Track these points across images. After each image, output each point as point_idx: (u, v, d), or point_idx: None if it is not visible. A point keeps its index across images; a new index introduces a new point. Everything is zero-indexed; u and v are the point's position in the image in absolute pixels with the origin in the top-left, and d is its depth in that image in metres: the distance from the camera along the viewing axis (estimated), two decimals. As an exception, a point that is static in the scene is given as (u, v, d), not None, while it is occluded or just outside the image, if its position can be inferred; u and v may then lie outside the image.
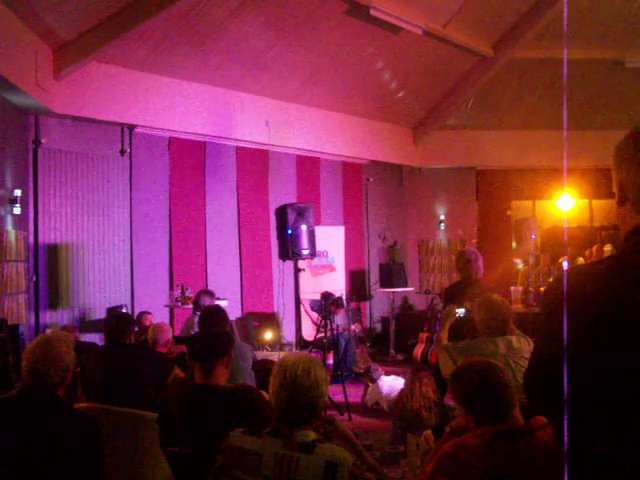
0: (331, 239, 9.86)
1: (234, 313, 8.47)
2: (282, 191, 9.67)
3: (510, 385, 2.33)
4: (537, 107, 10.78)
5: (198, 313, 5.51)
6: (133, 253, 8.15)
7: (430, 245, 11.90)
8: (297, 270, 7.12)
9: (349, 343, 8.51)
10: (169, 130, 8.44)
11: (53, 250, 7.48)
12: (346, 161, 10.81)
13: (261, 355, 6.27)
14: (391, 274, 10.42)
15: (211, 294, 6.31)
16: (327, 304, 7.63)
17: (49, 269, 7.45)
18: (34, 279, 7.25)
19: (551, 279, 7.65)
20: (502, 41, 9.76)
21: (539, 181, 11.45)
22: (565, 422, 1.27)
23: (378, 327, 11.16)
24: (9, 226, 6.70)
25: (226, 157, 9.22)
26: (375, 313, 11.24)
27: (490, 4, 8.98)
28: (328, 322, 7.18)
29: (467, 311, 4.30)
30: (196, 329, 5.41)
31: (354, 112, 10.42)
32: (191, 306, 6.89)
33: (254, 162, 9.52)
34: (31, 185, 7.30)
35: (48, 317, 7.40)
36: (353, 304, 10.16)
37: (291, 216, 7.08)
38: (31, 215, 7.28)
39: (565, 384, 1.26)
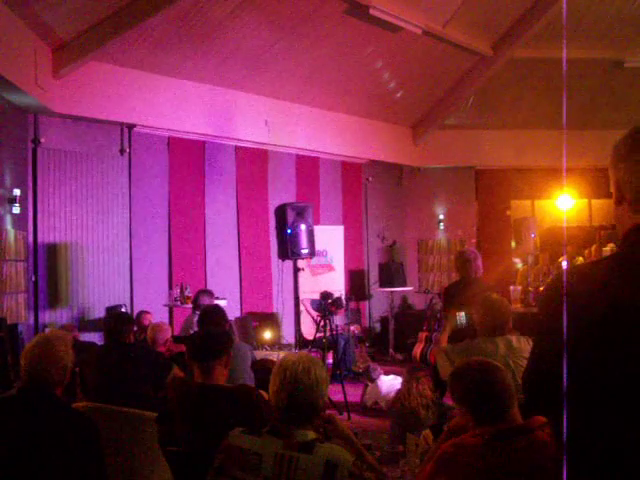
0: (330, 239, 9.86)
1: (233, 313, 8.47)
2: (281, 190, 9.67)
3: (509, 385, 2.33)
4: (536, 107, 10.78)
5: (197, 312, 5.51)
6: (132, 252, 8.15)
7: (429, 244, 11.90)
8: (296, 270, 7.12)
9: (348, 343, 8.52)
10: (168, 129, 8.44)
11: (52, 249, 7.48)
12: (345, 161, 10.81)
13: (260, 355, 6.27)
14: (390, 274, 10.42)
15: (210, 293, 6.31)
16: (326, 304, 7.64)
17: (48, 268, 7.45)
18: (33, 278, 7.25)
19: (550, 278, 7.64)
20: (501, 41, 9.76)
21: (538, 181, 11.45)
22: (565, 422, 1.27)
23: (377, 327, 11.16)
24: (8, 225, 6.70)
25: (225, 156, 9.22)
26: (374, 313, 11.25)
27: (490, 4, 8.98)
28: (327, 322, 7.19)
29: (468, 317, 4.30)
30: (195, 328, 5.41)
31: (353, 112, 10.42)
32: (190, 305, 6.89)
33: (253, 162, 9.52)
34: (30, 184, 7.30)
35: (47, 316, 7.40)
36: (352, 304, 10.17)
37: (290, 215, 7.08)
38: (30, 214, 7.28)
39: (564, 383, 1.26)
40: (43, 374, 2.53)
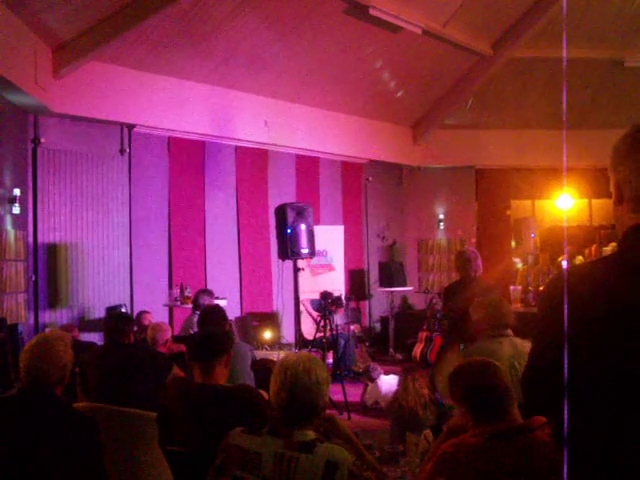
0: (330, 238, 9.85)
1: (233, 312, 8.47)
2: (281, 190, 9.67)
3: (508, 385, 2.34)
4: (536, 106, 10.78)
5: (197, 312, 5.51)
6: (132, 252, 8.15)
7: (429, 244, 11.90)
8: (296, 269, 7.11)
9: (348, 342, 8.52)
10: (168, 129, 8.44)
11: (52, 249, 7.48)
12: (345, 160, 10.81)
13: (260, 355, 6.27)
14: (390, 273, 10.42)
15: (210, 293, 6.31)
16: (327, 303, 7.64)
17: (48, 268, 7.45)
18: (33, 279, 7.25)
19: (549, 278, 7.64)
20: (501, 40, 9.76)
21: (538, 180, 11.44)
22: (565, 421, 1.27)
23: (377, 326, 11.16)
24: (8, 225, 6.70)
25: (225, 156, 9.22)
26: (374, 312, 11.25)
27: (489, 3, 8.98)
28: (328, 321, 7.19)
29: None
30: (195, 328, 5.41)
31: (353, 111, 10.42)
32: (190, 305, 6.89)
33: (253, 162, 9.52)
34: (30, 184, 7.30)
35: (47, 316, 7.41)
36: (352, 303, 10.17)
37: (290, 215, 7.08)
38: (30, 214, 7.28)
39: (564, 382, 1.26)
40: (43, 374, 2.53)
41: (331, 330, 7.31)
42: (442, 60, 9.77)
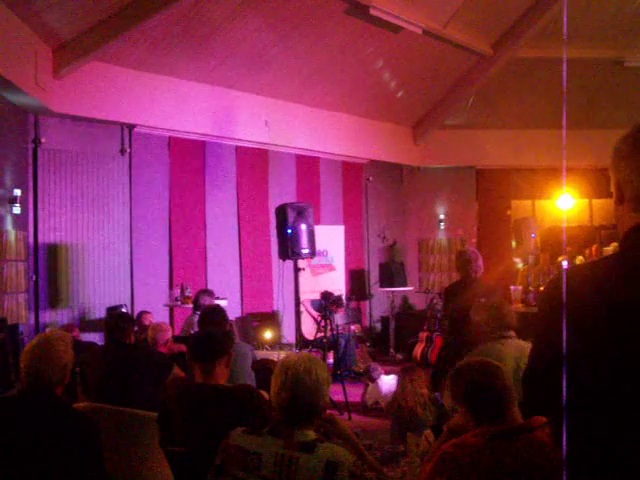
0: (331, 238, 9.86)
1: (234, 313, 8.47)
2: (282, 190, 9.67)
3: (509, 384, 2.33)
4: (537, 106, 10.78)
5: (198, 313, 5.51)
6: (133, 252, 8.15)
7: (430, 244, 11.90)
8: (297, 269, 7.11)
9: (349, 342, 8.52)
10: (169, 130, 8.44)
11: (53, 250, 7.48)
12: (346, 160, 10.81)
13: (261, 355, 6.27)
14: (391, 273, 10.43)
15: (211, 293, 6.31)
16: (327, 303, 7.63)
17: (49, 269, 7.45)
18: (34, 279, 7.25)
19: (550, 278, 7.64)
20: (502, 40, 9.76)
21: (539, 180, 11.45)
22: (564, 421, 1.27)
23: (378, 326, 11.16)
24: (9, 226, 6.70)
25: (226, 157, 9.22)
26: (375, 312, 11.25)
27: (490, 3, 8.98)
28: (328, 321, 7.19)
29: None
30: (196, 329, 5.41)
31: (354, 111, 10.42)
32: (191, 306, 6.89)
33: (254, 162, 9.52)
34: (31, 185, 7.30)
35: (48, 317, 7.41)
36: (353, 303, 10.17)
37: (291, 215, 7.08)
38: (31, 215, 7.29)
39: (564, 383, 1.26)
40: (43, 374, 2.53)
41: (332, 330, 7.30)
42: (442, 60, 9.77)
